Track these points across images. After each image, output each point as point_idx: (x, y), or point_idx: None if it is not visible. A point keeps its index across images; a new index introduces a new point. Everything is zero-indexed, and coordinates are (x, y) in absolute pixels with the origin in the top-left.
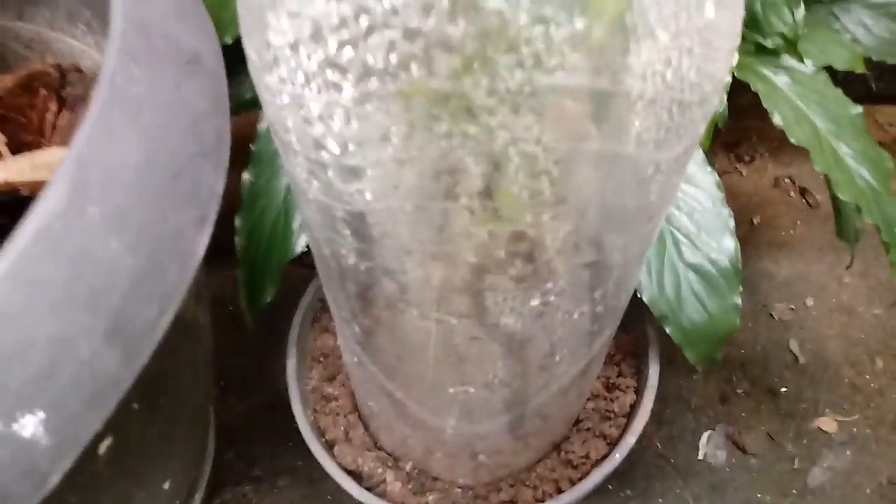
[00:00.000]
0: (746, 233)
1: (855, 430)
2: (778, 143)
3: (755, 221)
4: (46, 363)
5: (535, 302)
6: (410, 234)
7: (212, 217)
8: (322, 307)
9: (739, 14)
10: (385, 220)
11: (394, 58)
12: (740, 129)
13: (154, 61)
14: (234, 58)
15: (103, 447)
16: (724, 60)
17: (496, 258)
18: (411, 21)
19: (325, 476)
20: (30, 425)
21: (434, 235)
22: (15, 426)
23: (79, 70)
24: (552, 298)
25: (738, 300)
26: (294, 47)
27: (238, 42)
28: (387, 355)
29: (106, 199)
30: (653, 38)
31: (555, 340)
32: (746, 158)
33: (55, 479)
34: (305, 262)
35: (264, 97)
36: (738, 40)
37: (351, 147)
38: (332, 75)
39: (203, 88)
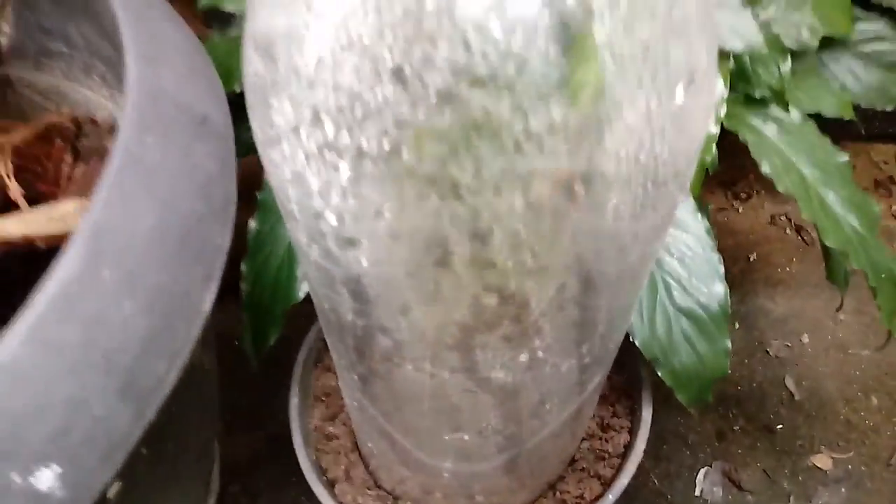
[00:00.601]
0: (743, 270)
1: (850, 467)
2: None
3: (751, 258)
4: (63, 421)
5: (523, 357)
6: (403, 296)
7: (218, 274)
8: (324, 346)
9: (712, 95)
10: (380, 283)
11: (386, 143)
12: (737, 168)
13: (166, 128)
14: (241, 105)
15: (112, 492)
16: (696, 137)
17: (484, 319)
18: (402, 112)
19: None
20: (46, 479)
21: (426, 298)
22: (32, 479)
23: (94, 122)
24: (540, 354)
25: (728, 344)
26: (295, 129)
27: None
28: (384, 402)
29: (120, 263)
30: (625, 124)
31: (544, 391)
32: (743, 196)
33: None
34: (309, 299)
35: (268, 168)
36: (711, 118)
37: (347, 220)
38: (329, 156)
39: (212, 151)
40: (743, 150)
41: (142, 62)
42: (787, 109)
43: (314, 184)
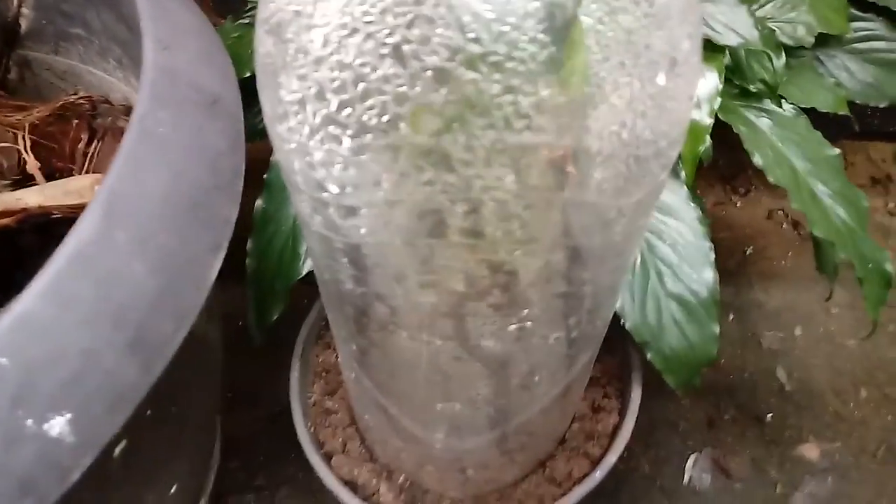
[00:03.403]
0: (739, 262)
1: (837, 457)
2: None
3: (747, 252)
4: (75, 370)
5: (512, 327)
6: (399, 264)
7: (225, 244)
8: (325, 325)
9: (694, 81)
10: (377, 251)
11: (385, 117)
12: (736, 163)
13: (179, 105)
14: (251, 90)
15: (118, 450)
16: (679, 120)
17: (475, 287)
18: (400, 88)
19: (324, 487)
20: (57, 425)
21: (420, 266)
22: (45, 426)
23: (108, 102)
24: (528, 324)
25: (717, 329)
26: (301, 104)
27: (254, 76)
28: (380, 372)
29: (132, 226)
30: (609, 104)
31: (533, 362)
32: (741, 191)
33: (76, 475)
34: (310, 279)
35: (275, 142)
36: (692, 102)
37: (348, 189)
38: (333, 129)
39: (222, 128)
40: (742, 145)
41: (158, 43)
42: (779, 104)
43: (318, 155)
